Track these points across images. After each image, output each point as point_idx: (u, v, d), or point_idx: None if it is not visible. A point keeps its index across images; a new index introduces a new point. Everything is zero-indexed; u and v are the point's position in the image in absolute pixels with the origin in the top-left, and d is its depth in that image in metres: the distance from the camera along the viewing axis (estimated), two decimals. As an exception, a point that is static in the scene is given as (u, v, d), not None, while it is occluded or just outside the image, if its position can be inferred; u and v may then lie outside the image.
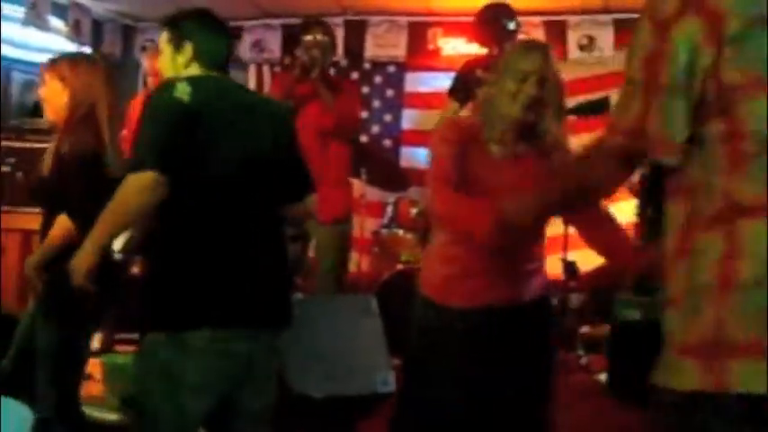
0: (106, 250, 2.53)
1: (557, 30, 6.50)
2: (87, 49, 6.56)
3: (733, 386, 1.31)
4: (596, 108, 4.63)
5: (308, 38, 4.54)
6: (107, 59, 6.77)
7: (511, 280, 2.44)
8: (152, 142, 2.24)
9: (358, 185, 5.42)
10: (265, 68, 7.18)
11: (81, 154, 2.81)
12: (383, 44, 6.88)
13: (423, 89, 6.84)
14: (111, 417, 3.64)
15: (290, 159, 2.57)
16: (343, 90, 4.63)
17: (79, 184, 2.79)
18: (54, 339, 2.84)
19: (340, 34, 6.45)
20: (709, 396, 1.33)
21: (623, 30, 6.11)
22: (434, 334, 2.50)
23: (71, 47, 6.32)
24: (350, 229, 4.82)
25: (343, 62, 6.86)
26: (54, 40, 6.23)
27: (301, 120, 4.47)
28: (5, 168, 4.76)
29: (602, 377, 4.41)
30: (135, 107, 4.61)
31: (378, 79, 7.03)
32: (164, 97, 2.29)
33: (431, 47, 6.83)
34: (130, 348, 4.33)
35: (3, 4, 5.14)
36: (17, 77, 6.24)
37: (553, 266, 5.35)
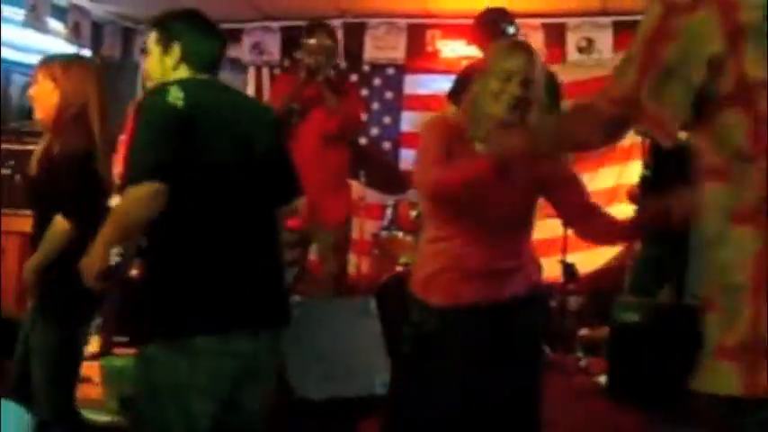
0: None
1: (556, 32, 6.50)
2: (87, 52, 6.57)
3: None
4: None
5: (313, 41, 4.55)
6: (106, 61, 6.81)
7: (490, 277, 2.43)
8: (150, 153, 2.22)
9: (357, 188, 5.43)
10: (264, 71, 7.19)
11: (72, 154, 2.82)
12: (382, 46, 6.88)
13: (422, 91, 6.84)
14: (110, 419, 3.64)
15: (280, 161, 2.57)
16: (347, 93, 4.65)
17: (71, 184, 2.79)
18: (50, 340, 2.84)
19: (339, 36, 6.44)
20: (745, 399, 1.31)
21: (622, 32, 6.10)
22: (417, 331, 2.51)
23: (71, 49, 6.33)
24: (349, 231, 4.83)
25: (342, 64, 6.86)
26: (54, 43, 6.23)
27: (306, 123, 4.49)
28: (5, 171, 4.76)
29: (602, 380, 4.41)
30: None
31: (377, 81, 7.04)
32: (157, 103, 2.27)
33: (430, 49, 6.82)
34: (129, 351, 4.32)
35: (2, 7, 5.14)
36: (17, 80, 6.24)
37: (552, 268, 5.38)
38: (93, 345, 4.88)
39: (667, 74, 1.39)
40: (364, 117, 6.56)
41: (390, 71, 7.02)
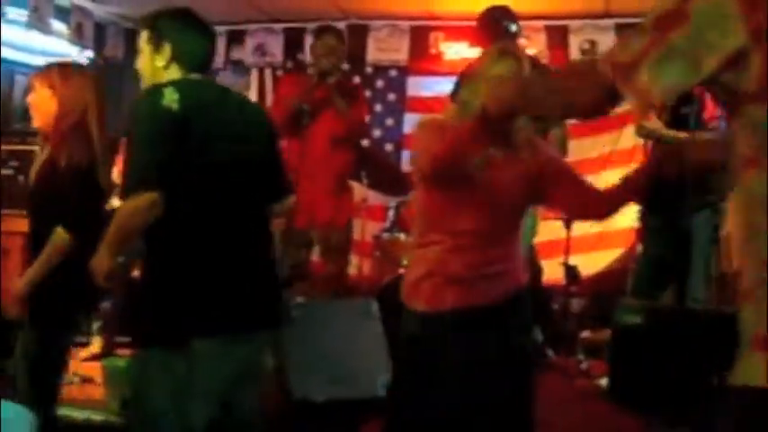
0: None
1: (558, 34, 6.51)
2: (89, 53, 6.58)
3: None
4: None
5: (325, 43, 4.57)
6: (109, 62, 6.82)
7: (475, 282, 2.43)
8: (147, 161, 2.24)
9: (359, 189, 5.43)
10: (267, 72, 7.19)
11: (76, 166, 2.82)
12: (385, 48, 6.89)
13: (425, 93, 6.84)
14: (113, 420, 3.64)
15: (271, 161, 2.57)
16: (356, 97, 4.67)
17: (74, 197, 2.79)
18: (32, 342, 2.83)
19: (342, 38, 6.46)
20: None
21: (625, 34, 6.10)
22: (404, 337, 2.52)
23: (74, 50, 6.35)
24: (350, 233, 4.84)
25: (345, 66, 6.86)
26: (56, 44, 6.24)
27: (315, 126, 4.50)
28: (8, 171, 4.77)
29: (603, 382, 4.40)
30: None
31: (380, 83, 7.04)
32: (152, 107, 2.26)
33: (433, 51, 6.83)
34: (131, 352, 4.32)
35: (5, 8, 5.15)
36: (20, 81, 6.24)
37: (554, 271, 5.38)
38: (96, 345, 4.88)
39: (669, 51, 1.37)
40: (367, 119, 6.59)
41: (393, 73, 7.03)
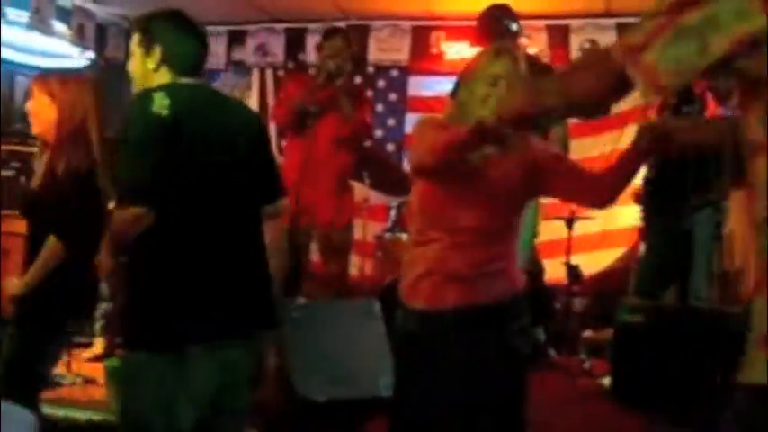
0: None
1: (559, 34, 6.51)
2: (91, 54, 6.58)
3: None
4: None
5: (333, 45, 4.58)
6: (111, 63, 6.82)
7: (474, 281, 2.42)
8: (136, 170, 2.24)
9: (361, 189, 5.43)
10: (268, 72, 7.19)
11: (75, 173, 2.82)
12: (386, 48, 6.89)
13: (426, 93, 6.84)
14: (115, 420, 3.64)
15: (264, 162, 2.56)
16: (361, 99, 4.68)
17: (72, 205, 2.79)
18: (15, 341, 2.83)
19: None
20: None
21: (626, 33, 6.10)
22: (402, 335, 2.51)
23: (75, 51, 6.35)
24: (351, 233, 4.84)
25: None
26: (58, 45, 6.24)
27: (319, 127, 4.50)
28: (9, 173, 4.77)
29: (605, 381, 4.40)
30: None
31: (381, 83, 7.04)
32: (142, 113, 2.25)
33: (434, 51, 6.83)
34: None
35: (7, 9, 5.16)
36: (21, 82, 6.25)
37: (556, 270, 5.38)
38: (98, 346, 4.89)
39: (679, 33, 1.35)
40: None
41: (394, 73, 7.03)
